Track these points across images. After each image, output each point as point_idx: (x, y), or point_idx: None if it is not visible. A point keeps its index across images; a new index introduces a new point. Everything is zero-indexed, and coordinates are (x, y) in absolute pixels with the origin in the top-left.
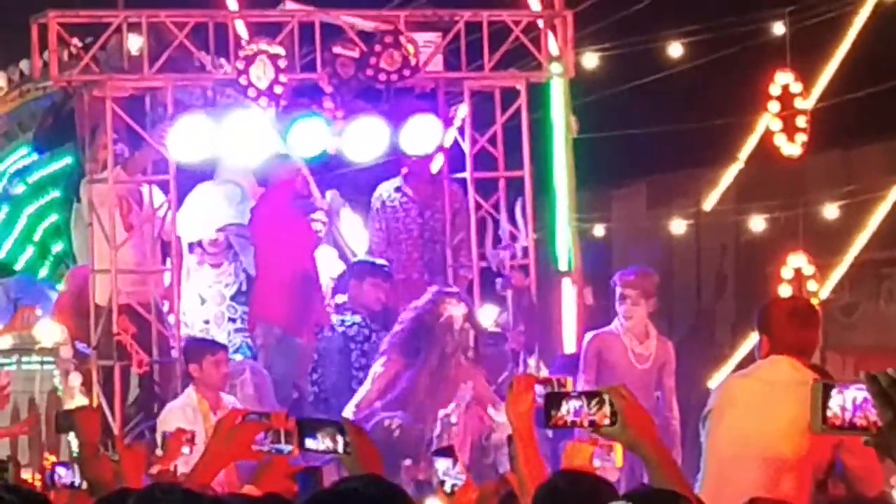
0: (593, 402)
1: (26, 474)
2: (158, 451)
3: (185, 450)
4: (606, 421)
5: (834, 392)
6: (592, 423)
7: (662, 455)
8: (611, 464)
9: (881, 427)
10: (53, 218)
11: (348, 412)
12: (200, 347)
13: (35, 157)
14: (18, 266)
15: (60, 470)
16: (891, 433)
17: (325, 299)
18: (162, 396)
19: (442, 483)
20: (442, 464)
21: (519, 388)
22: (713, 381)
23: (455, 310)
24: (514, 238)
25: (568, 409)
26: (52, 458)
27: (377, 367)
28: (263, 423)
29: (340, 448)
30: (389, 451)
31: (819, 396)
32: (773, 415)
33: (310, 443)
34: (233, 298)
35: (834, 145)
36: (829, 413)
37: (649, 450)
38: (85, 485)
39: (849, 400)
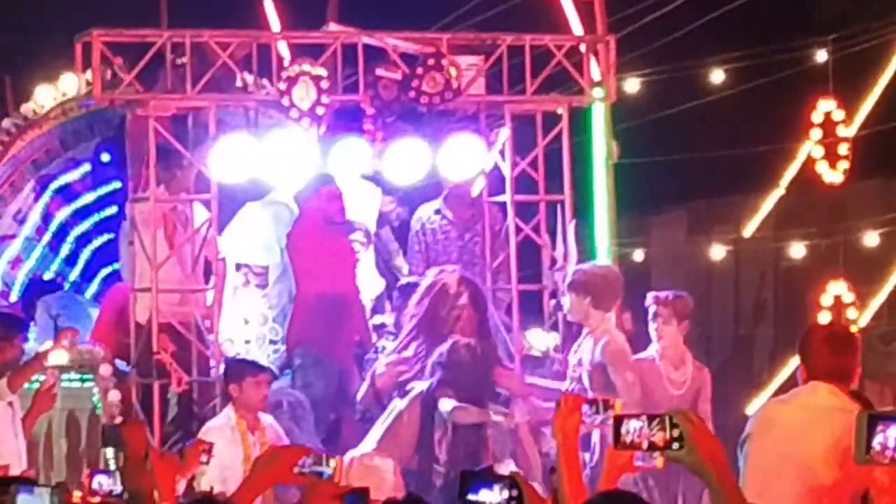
0: (654, 424)
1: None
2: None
3: (203, 459)
4: (675, 445)
5: (880, 425)
6: (652, 446)
7: (728, 483)
8: (652, 464)
9: None
10: (102, 238)
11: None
12: (242, 368)
13: (78, 175)
14: (66, 286)
15: (101, 478)
16: None
17: (366, 318)
18: (200, 415)
19: None
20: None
21: (567, 408)
22: (751, 408)
23: (449, 277)
24: (566, 259)
25: (628, 429)
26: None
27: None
28: (305, 448)
29: (513, 501)
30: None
31: (864, 427)
32: (812, 440)
33: (486, 494)
34: (275, 320)
35: (876, 173)
36: (874, 444)
37: (715, 476)
38: (126, 495)
39: (893, 436)
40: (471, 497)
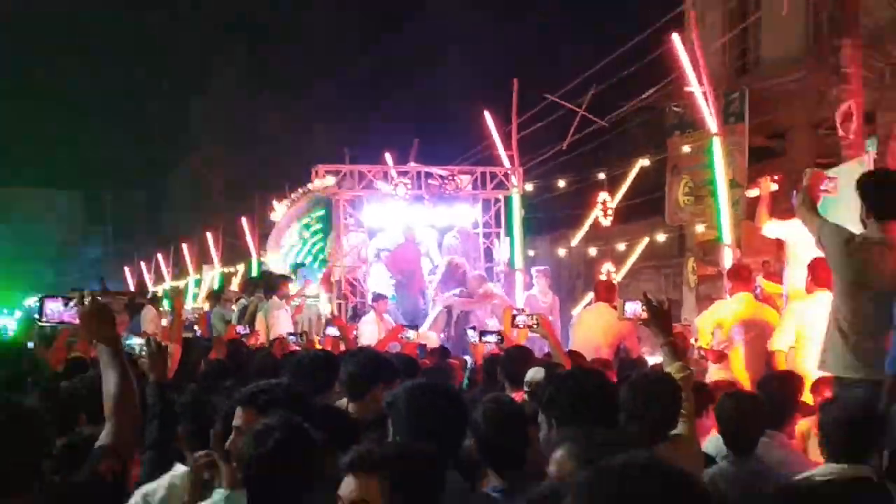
0: (530, 318)
1: None
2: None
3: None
4: (535, 326)
5: (627, 303)
6: (527, 326)
7: (556, 343)
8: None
9: (645, 317)
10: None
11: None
12: (379, 296)
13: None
14: None
15: (330, 330)
16: (650, 318)
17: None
18: (360, 313)
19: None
20: (470, 332)
21: (507, 310)
22: (574, 311)
23: (459, 260)
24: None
25: (520, 320)
26: (316, 336)
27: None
28: (403, 326)
29: (499, 340)
30: None
31: (622, 305)
32: (595, 324)
33: (471, 334)
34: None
35: (622, 222)
36: (625, 311)
37: (551, 339)
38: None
39: (632, 306)
40: (470, 335)
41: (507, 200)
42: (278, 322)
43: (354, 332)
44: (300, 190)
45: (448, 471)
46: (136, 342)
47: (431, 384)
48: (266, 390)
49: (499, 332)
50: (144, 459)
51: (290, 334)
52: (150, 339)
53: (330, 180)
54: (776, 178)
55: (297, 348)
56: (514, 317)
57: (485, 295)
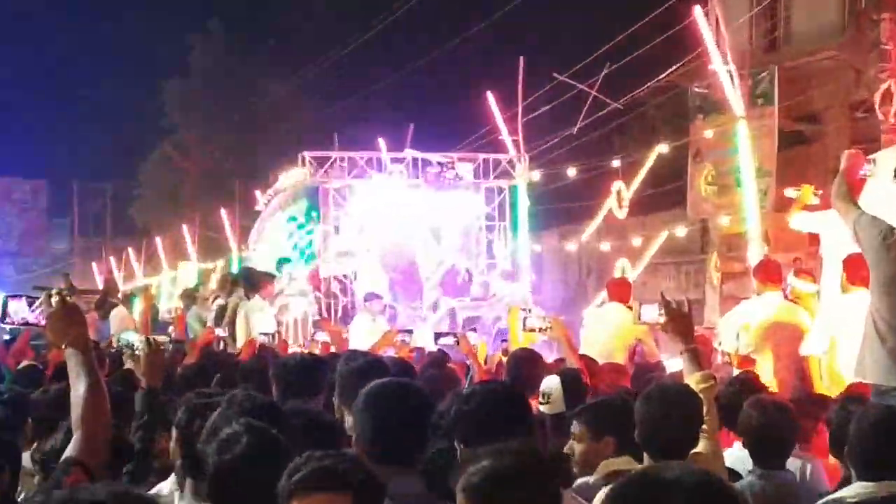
0: (541, 320)
1: (295, 348)
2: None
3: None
4: (547, 328)
5: (644, 306)
6: (540, 329)
7: (570, 344)
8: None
9: (664, 322)
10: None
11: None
12: (372, 295)
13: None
14: None
15: (319, 335)
16: (668, 324)
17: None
18: (350, 315)
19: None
20: (471, 335)
21: (514, 311)
22: (585, 312)
23: (460, 263)
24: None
25: (529, 322)
26: (303, 339)
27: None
28: (397, 330)
29: (456, 343)
30: None
31: (637, 308)
32: (609, 326)
33: (443, 340)
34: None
35: (639, 213)
36: (641, 315)
37: (564, 340)
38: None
39: (649, 309)
40: (440, 342)
41: (512, 190)
42: (261, 324)
43: (345, 336)
44: (284, 178)
45: (412, 477)
46: (134, 338)
47: (395, 383)
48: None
49: (454, 335)
50: (125, 471)
51: (262, 334)
52: (149, 339)
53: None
54: (819, 191)
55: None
56: (522, 318)
57: (493, 298)
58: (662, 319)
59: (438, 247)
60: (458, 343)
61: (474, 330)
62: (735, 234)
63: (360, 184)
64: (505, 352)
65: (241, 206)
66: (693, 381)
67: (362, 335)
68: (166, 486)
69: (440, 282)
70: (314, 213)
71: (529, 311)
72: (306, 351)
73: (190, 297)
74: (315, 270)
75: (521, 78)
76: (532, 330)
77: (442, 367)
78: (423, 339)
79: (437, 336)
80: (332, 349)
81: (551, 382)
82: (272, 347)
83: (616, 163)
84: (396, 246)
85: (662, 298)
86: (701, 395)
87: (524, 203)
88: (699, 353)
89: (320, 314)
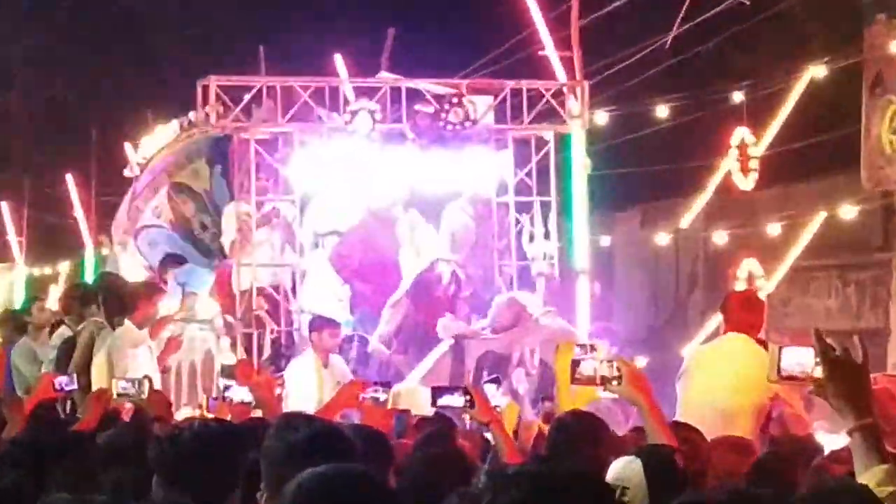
0: (604, 365)
1: (187, 411)
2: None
3: (277, 391)
4: (615, 382)
5: (786, 351)
6: (603, 380)
7: (652, 407)
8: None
9: (820, 378)
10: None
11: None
12: (322, 323)
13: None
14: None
15: (233, 389)
16: (828, 383)
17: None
18: (287, 355)
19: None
20: (489, 388)
21: (564, 349)
22: (685, 351)
23: (444, 269)
24: (546, 238)
25: (586, 368)
26: (205, 398)
27: (393, 315)
28: (366, 382)
29: (468, 404)
30: None
31: (776, 354)
32: (723, 373)
33: (447, 399)
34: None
35: (777, 182)
36: (782, 367)
37: (644, 403)
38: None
39: (796, 357)
40: (440, 402)
41: (562, 143)
42: (134, 367)
43: (278, 390)
44: (169, 126)
45: None
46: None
47: (350, 474)
48: None
49: (464, 390)
50: None
51: (123, 380)
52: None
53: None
54: None
55: (128, 404)
56: (575, 362)
57: (523, 328)
58: (818, 373)
59: (435, 238)
60: (471, 404)
61: (497, 380)
62: None
63: (304, 133)
64: (547, 417)
65: (101, 172)
66: (872, 479)
67: (306, 388)
68: None
69: (407, 294)
70: (223, 184)
71: (589, 348)
72: (210, 416)
73: (15, 323)
74: (224, 275)
75: None
76: (592, 382)
77: (444, 443)
78: (412, 397)
79: (436, 392)
80: (257, 412)
81: (627, 469)
82: (143, 408)
83: (738, 96)
84: (364, 237)
85: (818, 339)
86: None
87: (581, 165)
88: (880, 433)
89: (235, 352)
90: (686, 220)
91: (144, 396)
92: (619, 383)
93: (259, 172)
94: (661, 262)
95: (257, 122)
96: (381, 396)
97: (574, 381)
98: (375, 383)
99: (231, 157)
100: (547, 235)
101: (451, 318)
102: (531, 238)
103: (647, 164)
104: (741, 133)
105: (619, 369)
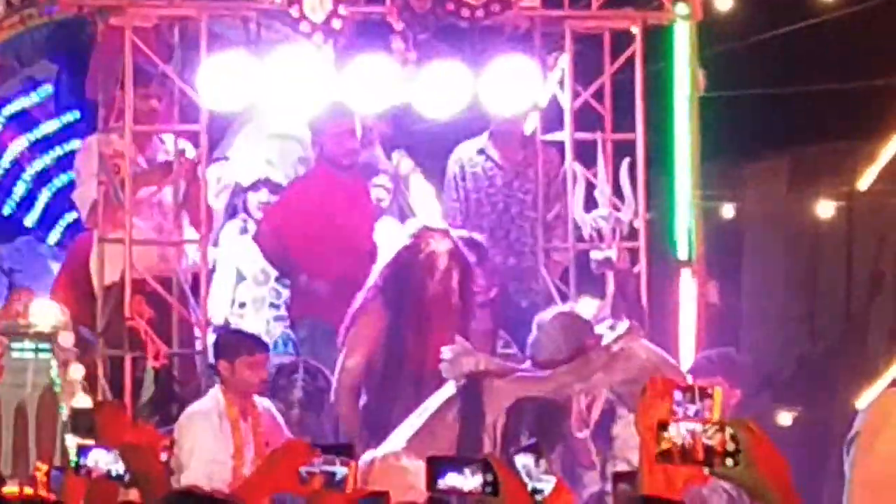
0: (711, 429)
1: (12, 487)
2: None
3: (163, 457)
4: (729, 460)
5: None
6: (709, 455)
7: (787, 492)
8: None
9: None
10: (67, 176)
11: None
12: (236, 344)
13: (37, 99)
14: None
15: (98, 455)
16: None
17: None
18: (182, 396)
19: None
20: (523, 460)
21: (654, 394)
22: (862, 400)
23: (438, 245)
24: (615, 209)
25: (677, 432)
26: (44, 468)
27: (361, 331)
28: (313, 449)
29: (488, 488)
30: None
31: None
32: None
33: (454, 479)
34: (278, 280)
35: None
36: None
37: (780, 499)
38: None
39: None
40: (441, 483)
41: (657, 44)
42: None
43: (166, 456)
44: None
45: None
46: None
47: None
48: None
49: (483, 464)
50: None
51: None
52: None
53: None
54: None
55: None
56: (662, 423)
57: (586, 361)
58: None
59: (436, 201)
60: (494, 487)
61: (537, 448)
62: None
63: (217, 19)
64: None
65: None
66: None
67: (212, 452)
68: None
69: (379, 291)
70: (77, 105)
71: (697, 395)
72: (50, 498)
73: None
74: (77, 260)
75: None
76: (688, 458)
77: None
78: (393, 475)
79: (436, 467)
80: (130, 494)
81: None
82: None
83: None
84: (316, 199)
85: None
86: None
87: (687, 82)
88: None
89: (93, 391)
90: (867, 179)
91: None
92: (736, 461)
93: (139, 84)
94: (824, 249)
95: (148, 3)
96: (340, 472)
97: (660, 455)
98: (329, 448)
99: (93, 58)
100: (625, 200)
101: (462, 342)
102: (599, 204)
103: (801, 82)
104: None
105: (735, 438)
